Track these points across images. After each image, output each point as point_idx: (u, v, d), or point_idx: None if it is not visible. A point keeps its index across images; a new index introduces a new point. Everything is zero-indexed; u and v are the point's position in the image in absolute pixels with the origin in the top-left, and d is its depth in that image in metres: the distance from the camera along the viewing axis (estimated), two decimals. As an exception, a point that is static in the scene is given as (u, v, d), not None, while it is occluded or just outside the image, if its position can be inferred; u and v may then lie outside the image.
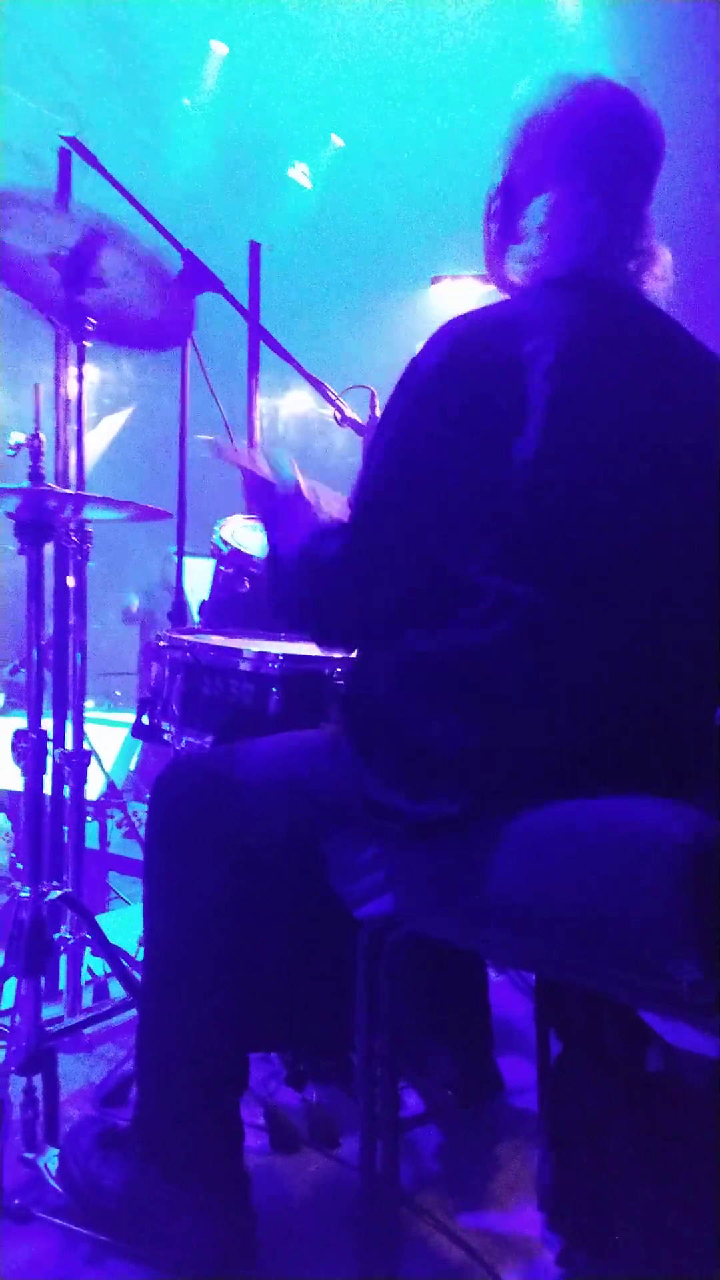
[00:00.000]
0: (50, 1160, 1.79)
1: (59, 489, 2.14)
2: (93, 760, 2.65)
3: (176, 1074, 1.62)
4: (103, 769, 3.65)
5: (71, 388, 2.47)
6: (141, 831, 3.73)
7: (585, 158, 1.49)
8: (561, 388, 1.34)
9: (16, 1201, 1.75)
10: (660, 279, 1.52)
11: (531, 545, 1.34)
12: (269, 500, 1.68)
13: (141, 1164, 1.64)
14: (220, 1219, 1.59)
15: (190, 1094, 1.61)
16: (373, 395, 2.62)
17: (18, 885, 2.03)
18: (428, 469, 1.39)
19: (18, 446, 1.99)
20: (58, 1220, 1.71)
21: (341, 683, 1.95)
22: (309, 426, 10.19)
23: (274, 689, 1.93)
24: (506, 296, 1.57)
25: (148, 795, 1.73)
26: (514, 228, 1.54)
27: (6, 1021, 2.01)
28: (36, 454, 1.99)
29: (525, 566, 1.34)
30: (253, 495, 1.76)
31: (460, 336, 1.40)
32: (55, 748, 2.53)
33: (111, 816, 3.77)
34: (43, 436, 2.02)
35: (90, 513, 2.28)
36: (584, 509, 1.35)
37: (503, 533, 1.35)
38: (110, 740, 4.01)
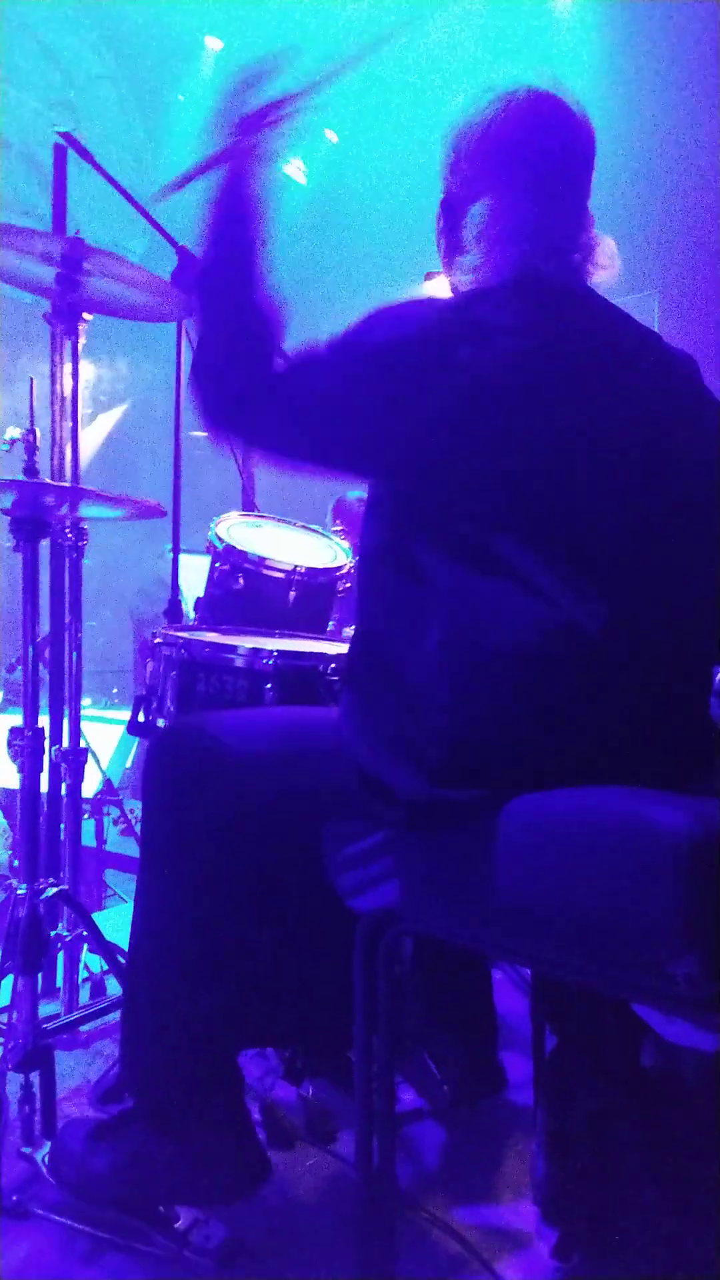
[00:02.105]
0: (48, 1157, 1.79)
1: (56, 483, 2.14)
2: (89, 758, 2.65)
3: (171, 1031, 1.61)
4: (99, 766, 3.65)
5: (66, 384, 2.47)
6: (139, 829, 3.74)
7: (513, 162, 1.52)
8: (524, 383, 1.36)
9: (14, 1198, 1.75)
10: (604, 267, 1.55)
11: (519, 541, 1.34)
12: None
13: (140, 1134, 1.64)
14: (227, 1159, 1.61)
15: (186, 1048, 1.61)
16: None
17: (14, 882, 2.03)
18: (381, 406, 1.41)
19: (12, 442, 1.99)
20: (56, 1217, 1.71)
21: (335, 678, 1.95)
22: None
23: (269, 685, 1.93)
24: None
25: (143, 770, 1.73)
26: (457, 239, 1.58)
27: (3, 1019, 2.01)
28: (31, 449, 1.98)
29: (518, 564, 1.34)
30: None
31: (423, 324, 1.42)
32: (52, 745, 2.53)
33: (108, 814, 3.77)
34: (38, 432, 2.01)
35: (86, 509, 2.28)
36: (564, 500, 1.37)
37: (487, 527, 1.36)
38: (107, 737, 4.01)
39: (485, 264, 1.52)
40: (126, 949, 1.73)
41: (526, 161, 1.52)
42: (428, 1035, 2.03)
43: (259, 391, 1.45)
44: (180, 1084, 1.62)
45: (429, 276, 2.84)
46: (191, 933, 1.61)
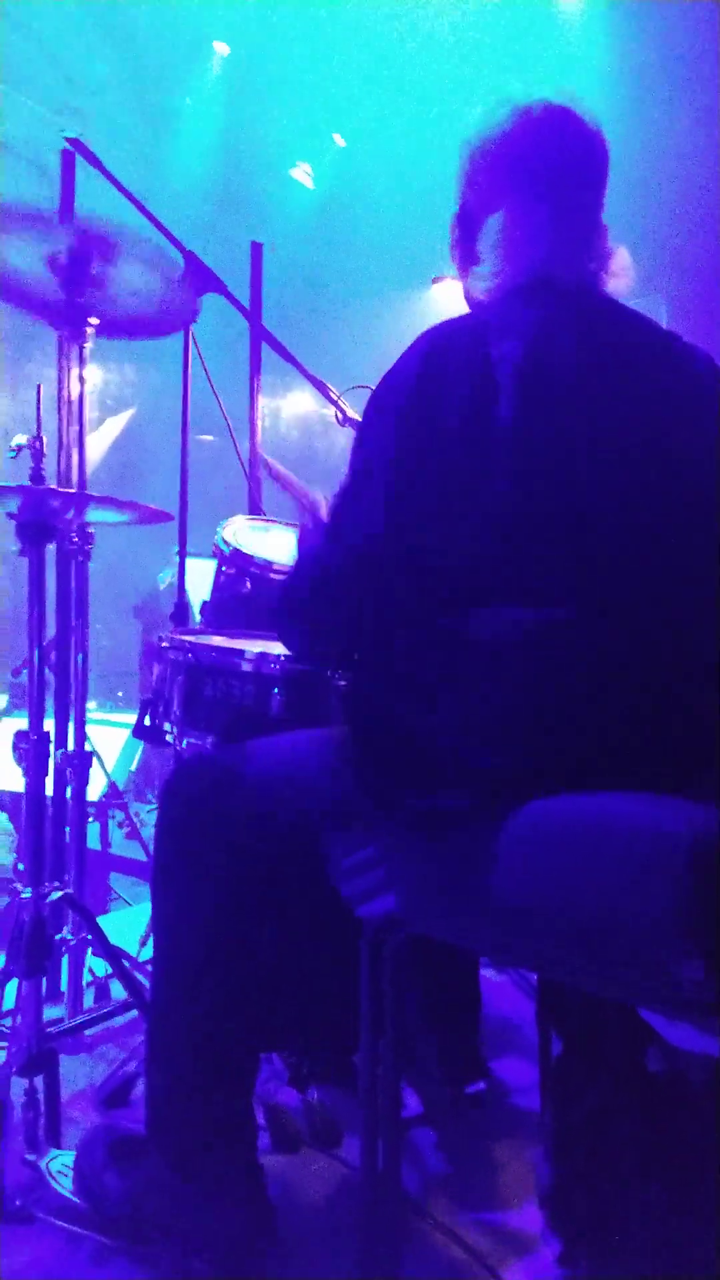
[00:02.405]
0: (52, 1162, 1.79)
1: (63, 489, 2.14)
2: (94, 761, 2.65)
3: (186, 1072, 1.62)
4: (104, 770, 3.65)
5: (73, 389, 2.47)
6: (143, 832, 3.74)
7: (529, 174, 1.55)
8: (531, 384, 1.37)
9: (18, 1203, 1.75)
10: (618, 275, 1.58)
11: (521, 544, 1.35)
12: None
13: (157, 1167, 1.64)
14: (237, 1214, 1.60)
15: (200, 1091, 1.61)
16: (374, 396, 2.61)
17: (19, 886, 2.03)
18: (412, 476, 1.40)
19: (19, 449, 2.00)
20: (60, 1222, 1.71)
21: (343, 682, 1.95)
22: (310, 427, 10.21)
23: (276, 689, 1.93)
24: None
25: (150, 795, 1.74)
26: (472, 250, 1.60)
27: (8, 1023, 2.01)
28: (38, 455, 1.99)
29: (520, 567, 1.34)
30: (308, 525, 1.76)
31: (435, 340, 1.44)
32: (57, 749, 2.53)
33: (113, 817, 3.78)
34: (44, 437, 2.02)
35: (92, 514, 2.28)
36: (567, 500, 1.37)
37: (489, 530, 1.36)
38: (112, 741, 4.02)
39: (502, 271, 1.55)
40: (133, 956, 1.73)
41: (541, 173, 1.55)
42: (409, 1025, 2.03)
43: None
44: (196, 1131, 1.62)
45: (436, 280, 2.84)
46: (210, 960, 1.61)
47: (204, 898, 1.62)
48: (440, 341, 1.44)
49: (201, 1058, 1.61)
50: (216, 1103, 1.62)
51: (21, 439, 2.00)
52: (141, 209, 2.55)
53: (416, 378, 1.42)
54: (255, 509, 3.19)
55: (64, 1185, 1.75)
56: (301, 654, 1.71)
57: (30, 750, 2.06)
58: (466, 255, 1.63)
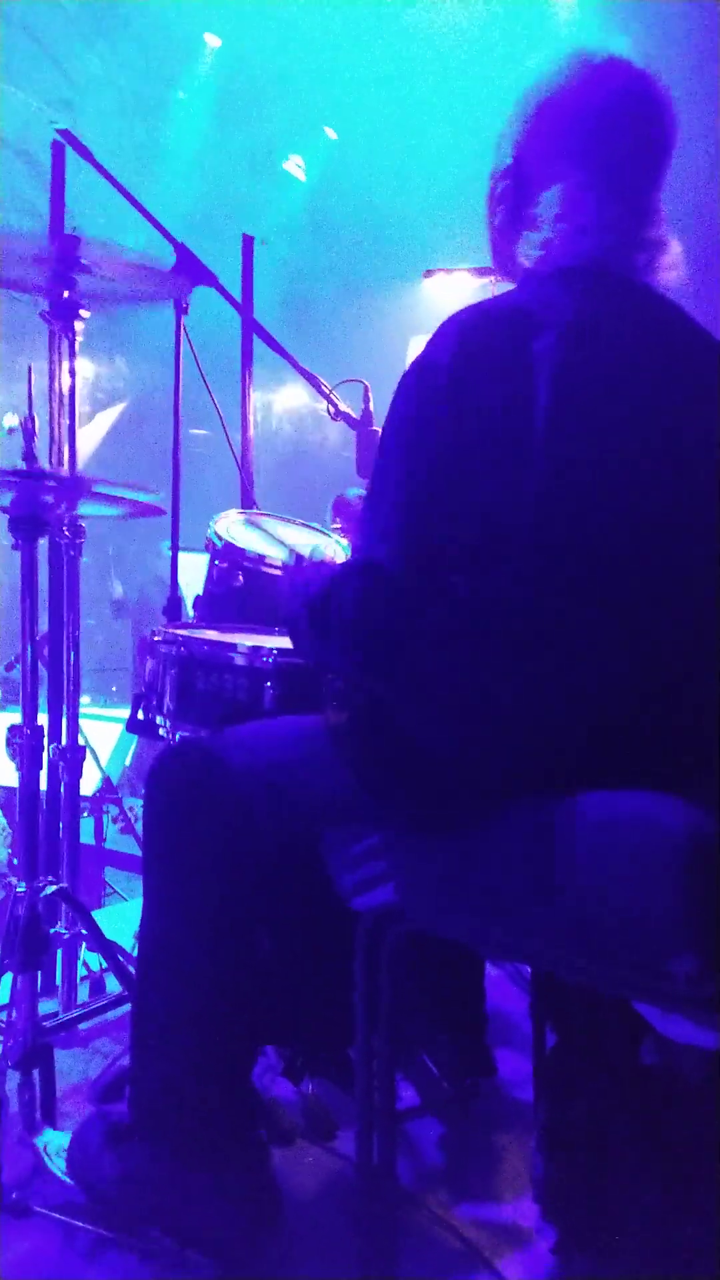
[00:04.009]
0: (49, 1142, 1.79)
1: (57, 472, 2.13)
2: (88, 755, 2.65)
3: (183, 1058, 1.61)
4: (98, 764, 3.65)
5: (64, 381, 2.46)
6: (138, 827, 3.73)
7: (601, 144, 1.45)
8: (569, 387, 1.31)
9: (15, 1195, 1.75)
10: (670, 269, 1.50)
11: (542, 544, 1.33)
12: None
13: (155, 1156, 1.63)
14: (242, 1204, 1.59)
15: (198, 1079, 1.60)
16: (366, 389, 2.61)
17: (14, 880, 2.03)
18: (443, 477, 1.34)
19: (11, 430, 1.98)
20: (56, 1214, 1.71)
21: (337, 679, 1.95)
22: (303, 421, 10.20)
23: (268, 683, 1.93)
24: (507, 283, 1.55)
25: (144, 790, 1.74)
26: (525, 213, 1.50)
27: (2, 1017, 2.01)
28: (30, 435, 1.97)
29: (532, 563, 1.33)
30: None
31: (468, 331, 1.36)
32: (50, 743, 2.53)
33: (107, 812, 3.77)
34: (36, 417, 2.00)
35: (85, 508, 2.27)
36: (595, 507, 1.33)
37: (515, 532, 1.33)
38: (106, 735, 4.01)
39: (554, 244, 1.46)
40: (128, 951, 1.73)
41: (614, 146, 1.45)
42: (416, 1021, 2.03)
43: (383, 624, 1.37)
44: (192, 1105, 1.60)
45: (427, 274, 2.83)
46: (198, 944, 1.60)
47: (192, 885, 1.61)
48: (475, 334, 1.36)
49: (196, 1045, 1.60)
50: (217, 1090, 1.61)
51: (13, 420, 1.99)
52: (132, 201, 2.54)
53: (449, 378, 1.33)
54: (248, 502, 3.18)
55: (59, 1167, 1.75)
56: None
57: (24, 745, 2.06)
58: (515, 217, 1.52)
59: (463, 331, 1.36)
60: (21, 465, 1.93)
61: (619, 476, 1.34)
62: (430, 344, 1.38)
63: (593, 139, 1.46)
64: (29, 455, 1.96)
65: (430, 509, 1.34)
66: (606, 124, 1.45)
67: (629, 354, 1.39)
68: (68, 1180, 1.73)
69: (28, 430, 1.96)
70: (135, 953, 2.51)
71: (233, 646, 2.00)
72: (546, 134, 1.48)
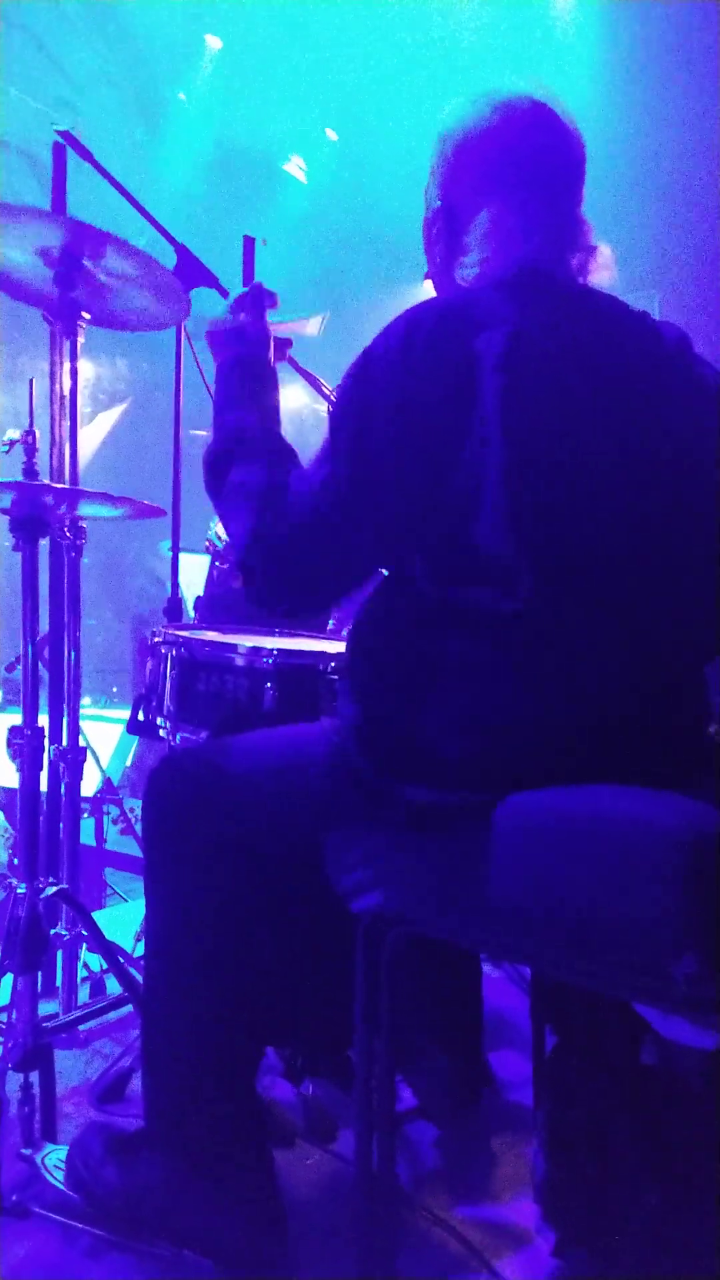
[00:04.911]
0: (48, 1156, 1.79)
1: (55, 485, 2.14)
2: (89, 756, 2.65)
3: (190, 1068, 1.61)
4: (99, 765, 3.65)
5: (65, 383, 2.46)
6: (138, 828, 3.73)
7: (517, 170, 1.55)
8: (512, 379, 1.35)
9: (14, 1198, 1.75)
10: (603, 269, 1.59)
11: (511, 537, 1.34)
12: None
13: (161, 1163, 1.63)
14: (246, 1211, 1.59)
15: (205, 1086, 1.60)
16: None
17: (14, 881, 2.03)
18: (389, 460, 1.40)
19: (11, 444, 1.99)
20: (56, 1216, 1.71)
21: (335, 677, 1.95)
22: (303, 422, 10.19)
23: (269, 684, 1.93)
24: None
25: (142, 802, 1.74)
26: (459, 243, 1.60)
27: (3, 1018, 2.01)
28: (31, 450, 1.98)
29: (510, 560, 1.34)
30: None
31: (416, 325, 1.42)
32: (51, 744, 2.53)
33: (108, 813, 3.77)
34: (37, 431, 2.01)
35: (85, 509, 2.28)
36: (547, 498, 1.36)
37: (476, 522, 1.35)
38: (106, 736, 4.01)
39: (489, 260, 1.55)
40: (128, 952, 1.73)
41: (529, 169, 1.55)
42: (414, 1038, 2.03)
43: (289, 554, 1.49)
44: (200, 1113, 1.61)
45: (428, 276, 2.83)
46: (200, 955, 1.61)
47: (193, 893, 1.62)
48: (422, 329, 1.41)
49: (204, 1053, 1.60)
50: (223, 1098, 1.61)
51: (14, 433, 2.00)
52: (133, 203, 2.54)
53: (401, 361, 1.40)
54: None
55: (58, 1180, 1.75)
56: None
57: (24, 746, 2.06)
58: (451, 248, 1.62)
59: (411, 325, 1.42)
60: (21, 479, 1.94)
61: (575, 466, 1.38)
62: (381, 338, 1.44)
63: (509, 169, 1.56)
64: (29, 471, 1.96)
65: (372, 477, 1.41)
66: (520, 152, 1.56)
67: (571, 348, 1.44)
68: (70, 1194, 1.72)
69: (29, 446, 1.97)
70: (135, 953, 2.51)
71: (233, 648, 2.00)
72: (468, 171, 1.59)
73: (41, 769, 2.13)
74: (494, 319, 1.39)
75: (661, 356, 1.54)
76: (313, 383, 2.66)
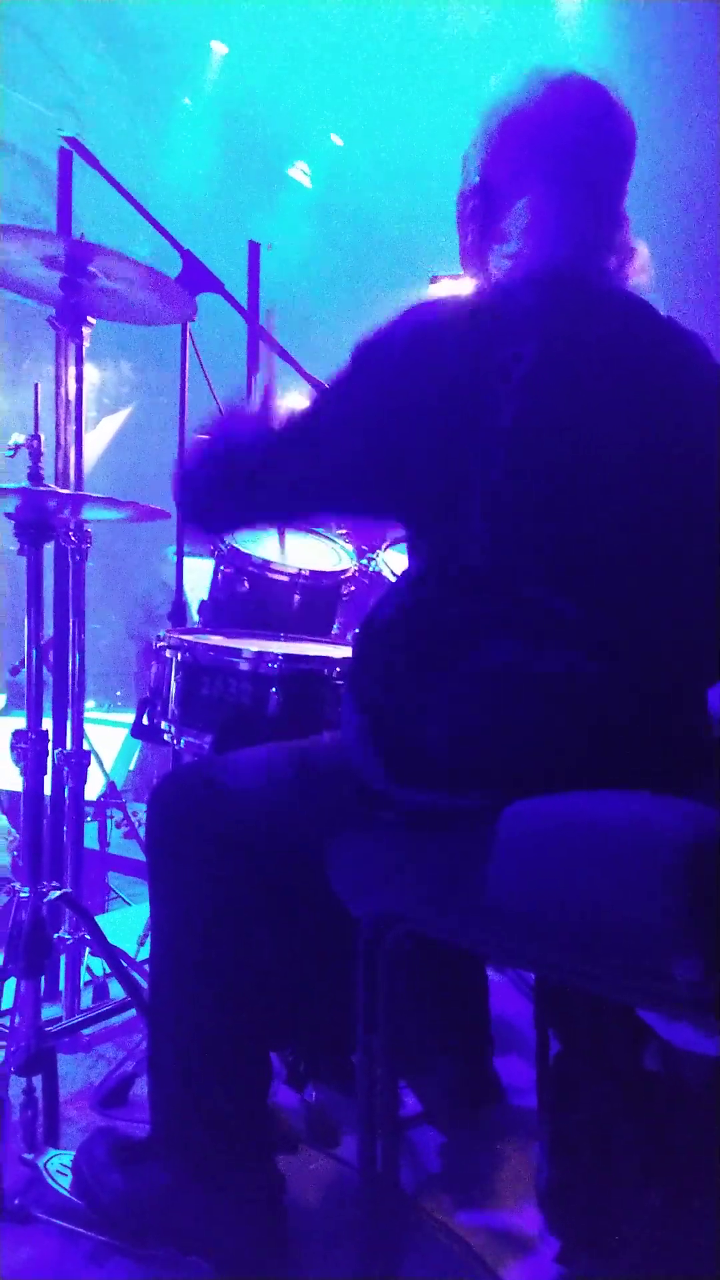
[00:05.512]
0: (50, 1161, 1.79)
1: (59, 489, 2.14)
2: (92, 760, 2.65)
3: (195, 1073, 1.61)
4: (103, 769, 3.65)
5: (70, 387, 2.47)
6: (141, 832, 3.73)
7: (564, 157, 1.50)
8: (533, 400, 1.35)
9: (16, 1202, 1.75)
10: (640, 271, 1.55)
11: (517, 538, 1.34)
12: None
13: (167, 1170, 1.63)
14: (251, 1219, 1.59)
15: (211, 1096, 1.60)
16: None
17: (17, 885, 2.03)
18: (391, 441, 1.42)
19: (16, 448, 1.99)
20: (58, 1220, 1.71)
21: (340, 682, 1.95)
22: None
23: (273, 689, 1.93)
24: None
25: (145, 817, 1.75)
26: (495, 228, 1.55)
27: (6, 1022, 2.01)
28: (36, 455, 1.98)
29: (516, 562, 1.34)
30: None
31: (421, 326, 1.41)
32: (55, 748, 2.53)
33: (111, 817, 3.77)
34: (42, 436, 2.01)
35: (90, 513, 2.28)
36: (564, 503, 1.36)
37: (484, 522, 1.35)
38: (110, 740, 4.01)
39: (527, 255, 1.51)
40: (131, 956, 1.73)
41: (577, 158, 1.50)
42: (422, 1046, 2.02)
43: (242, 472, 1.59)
44: (213, 1128, 1.61)
45: (434, 280, 2.84)
46: (204, 964, 1.61)
47: (194, 905, 1.63)
48: (432, 328, 1.41)
49: (208, 1058, 1.60)
50: (227, 1103, 1.61)
51: (19, 437, 2.00)
52: (139, 208, 2.55)
53: (403, 354, 1.40)
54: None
55: (62, 1185, 1.74)
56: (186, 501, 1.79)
57: (28, 749, 2.06)
58: (485, 233, 1.56)
59: (419, 322, 1.41)
60: (26, 484, 1.94)
61: (592, 469, 1.37)
62: (385, 329, 1.44)
63: (555, 153, 1.50)
64: (35, 476, 1.97)
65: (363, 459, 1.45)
66: (567, 138, 1.50)
67: (599, 355, 1.42)
68: (73, 1199, 1.72)
69: (34, 450, 1.97)
70: (138, 957, 2.51)
71: (237, 652, 2.00)
72: (511, 152, 1.53)
73: (45, 772, 2.14)
74: (523, 330, 1.38)
75: (688, 366, 1.52)
76: (318, 388, 2.65)
